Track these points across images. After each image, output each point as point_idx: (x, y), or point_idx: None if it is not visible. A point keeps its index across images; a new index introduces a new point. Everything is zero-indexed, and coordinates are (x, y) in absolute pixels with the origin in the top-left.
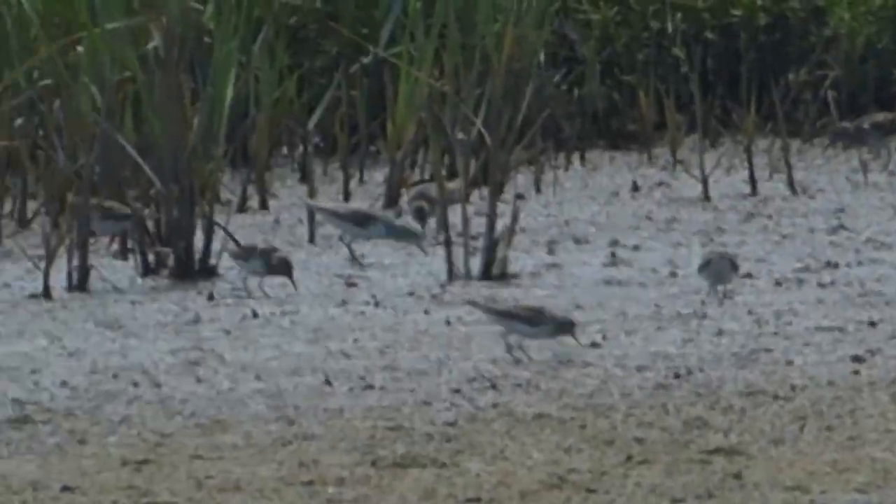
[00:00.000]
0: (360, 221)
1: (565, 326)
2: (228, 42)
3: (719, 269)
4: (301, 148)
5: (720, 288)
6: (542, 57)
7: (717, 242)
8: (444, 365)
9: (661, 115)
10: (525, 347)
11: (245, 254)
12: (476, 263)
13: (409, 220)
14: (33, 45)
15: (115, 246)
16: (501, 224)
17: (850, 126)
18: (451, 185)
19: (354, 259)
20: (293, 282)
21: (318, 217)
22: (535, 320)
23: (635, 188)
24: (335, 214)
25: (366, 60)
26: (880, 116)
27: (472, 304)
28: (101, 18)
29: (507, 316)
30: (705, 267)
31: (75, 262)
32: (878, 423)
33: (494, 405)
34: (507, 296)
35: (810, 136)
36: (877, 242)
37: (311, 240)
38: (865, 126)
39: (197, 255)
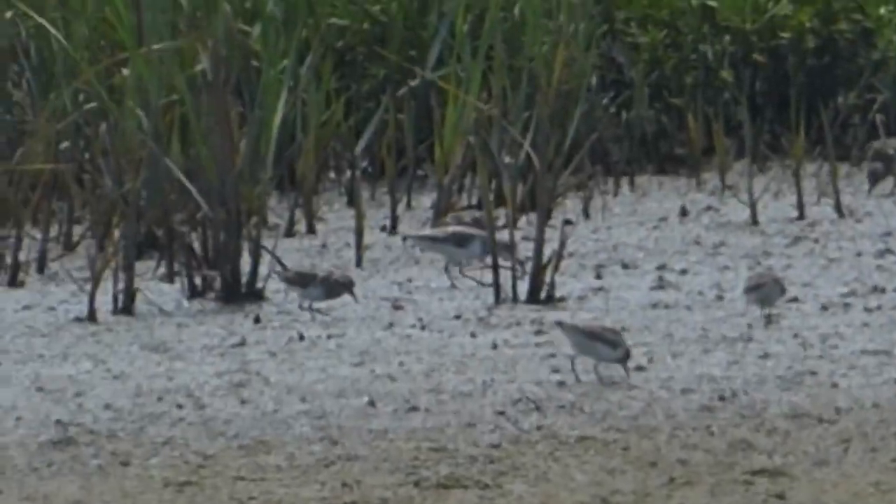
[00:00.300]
0: (460, 242)
1: (627, 353)
2: (276, 65)
3: (766, 291)
4: (348, 172)
5: (766, 311)
6: (591, 80)
7: (764, 266)
8: (489, 387)
9: (710, 139)
10: (570, 370)
11: (303, 281)
12: (523, 287)
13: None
14: (79, 67)
15: (162, 269)
16: (550, 249)
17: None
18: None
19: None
20: (353, 295)
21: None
22: (617, 343)
23: (684, 213)
24: (434, 240)
25: (413, 84)
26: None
27: (560, 325)
28: (148, 40)
29: (592, 337)
30: (752, 290)
31: (121, 286)
32: None
33: (538, 427)
34: (553, 319)
35: (858, 160)
36: None
37: (359, 264)
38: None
39: (243, 279)
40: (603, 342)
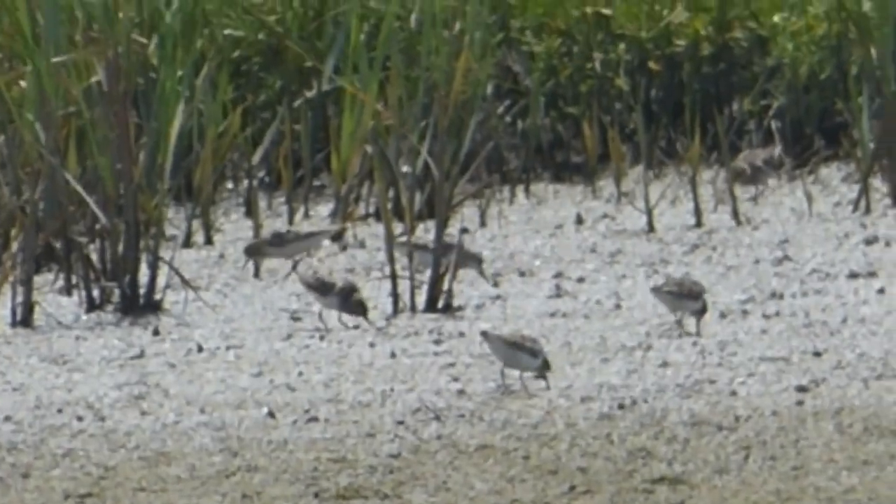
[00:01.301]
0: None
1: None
2: (172, 76)
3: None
4: (246, 182)
5: (678, 315)
6: (486, 88)
7: (662, 274)
8: (389, 397)
9: (606, 146)
10: (469, 378)
11: (323, 289)
12: (422, 297)
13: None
14: None
15: (61, 282)
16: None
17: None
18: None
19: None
20: (367, 320)
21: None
22: (536, 352)
23: (580, 221)
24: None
25: (309, 94)
26: (762, 152)
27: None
28: (45, 52)
29: (515, 347)
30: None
31: (19, 298)
32: (823, 453)
33: (438, 436)
34: (451, 328)
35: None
36: (821, 273)
37: (256, 274)
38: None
39: (142, 290)
40: (525, 352)
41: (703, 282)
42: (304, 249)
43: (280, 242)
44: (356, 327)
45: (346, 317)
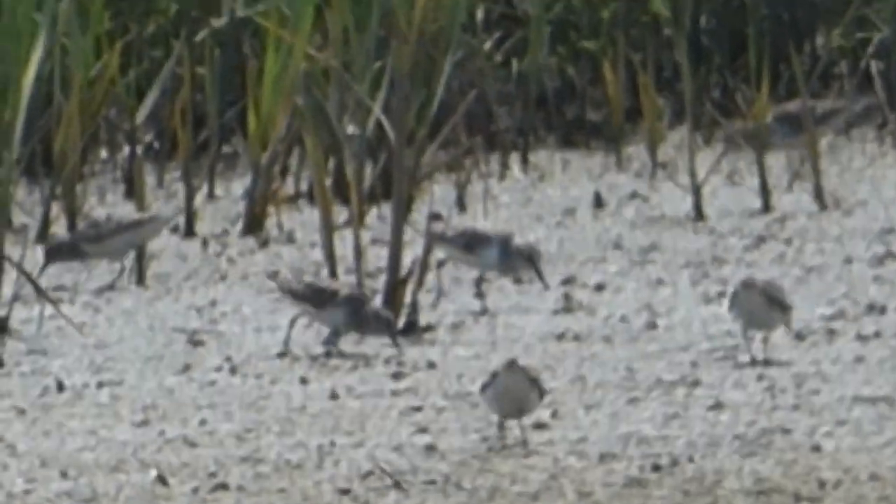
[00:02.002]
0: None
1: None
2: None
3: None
4: (126, 149)
5: (758, 334)
6: (468, 16)
7: (714, 278)
8: (328, 455)
9: (636, 98)
10: (442, 428)
11: (319, 298)
12: None
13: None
14: None
15: None
16: (410, 255)
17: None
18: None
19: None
20: (395, 342)
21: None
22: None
23: (599, 203)
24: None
25: (217, 24)
26: (791, 106)
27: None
28: None
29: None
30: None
31: None
32: None
33: None
34: (416, 356)
35: (847, 126)
36: None
37: (140, 280)
38: (768, 120)
39: None
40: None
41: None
42: (129, 245)
43: (95, 237)
44: (282, 355)
45: (266, 340)
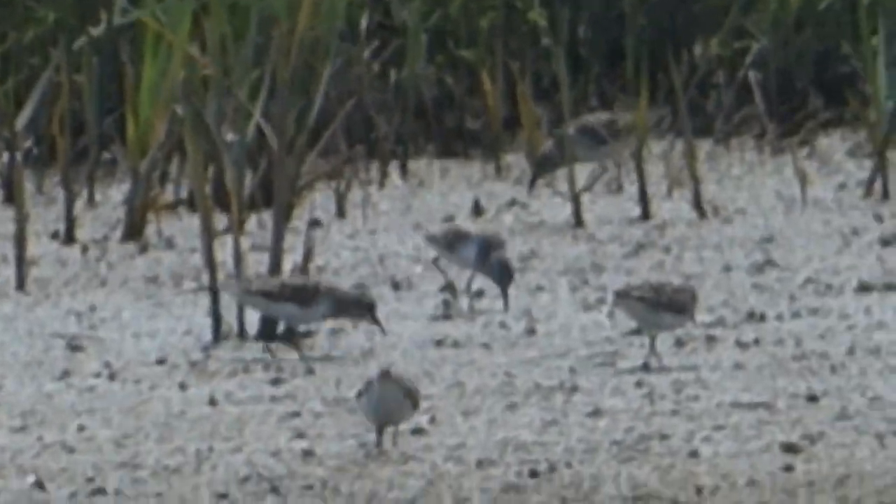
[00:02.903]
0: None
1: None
2: None
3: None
4: (4, 156)
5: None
6: (345, 24)
7: (594, 285)
8: (206, 460)
9: (514, 106)
10: (319, 433)
11: (304, 296)
12: (254, 317)
13: None
14: None
15: None
16: (290, 262)
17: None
18: None
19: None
20: (379, 324)
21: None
22: None
23: (478, 211)
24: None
25: (95, 32)
26: (592, 118)
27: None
28: None
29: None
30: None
31: None
32: None
33: None
34: (295, 362)
35: (725, 135)
36: (819, 285)
37: (20, 286)
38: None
39: None
40: None
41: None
42: None
43: None
44: (161, 362)
45: (145, 346)
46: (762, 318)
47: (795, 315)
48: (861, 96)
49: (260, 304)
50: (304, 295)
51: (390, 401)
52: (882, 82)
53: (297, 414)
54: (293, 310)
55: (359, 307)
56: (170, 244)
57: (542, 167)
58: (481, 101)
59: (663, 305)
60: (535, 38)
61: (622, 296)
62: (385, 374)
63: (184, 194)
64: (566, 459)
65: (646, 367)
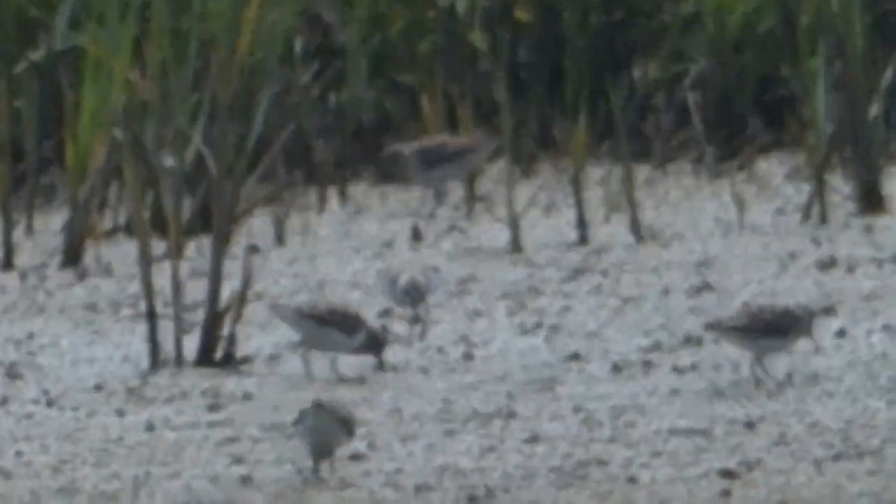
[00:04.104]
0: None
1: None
2: None
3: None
4: None
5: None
6: (284, 48)
7: (531, 309)
8: (143, 485)
9: (455, 130)
10: (257, 459)
11: (349, 324)
12: (192, 343)
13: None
14: None
15: None
16: (229, 288)
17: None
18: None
19: None
20: (383, 364)
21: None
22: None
23: (417, 236)
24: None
25: (35, 56)
26: (428, 141)
27: None
28: None
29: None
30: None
31: None
32: None
33: None
34: (233, 388)
35: (664, 159)
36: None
37: None
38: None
39: None
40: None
41: (589, 322)
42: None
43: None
44: (99, 388)
45: (82, 372)
46: (699, 342)
47: None
48: (800, 120)
49: (307, 329)
50: (349, 323)
51: (324, 431)
52: (821, 105)
53: (235, 439)
54: (337, 337)
55: (377, 343)
56: (108, 271)
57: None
58: (421, 125)
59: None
60: (475, 62)
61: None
62: (318, 405)
63: (122, 220)
64: (504, 485)
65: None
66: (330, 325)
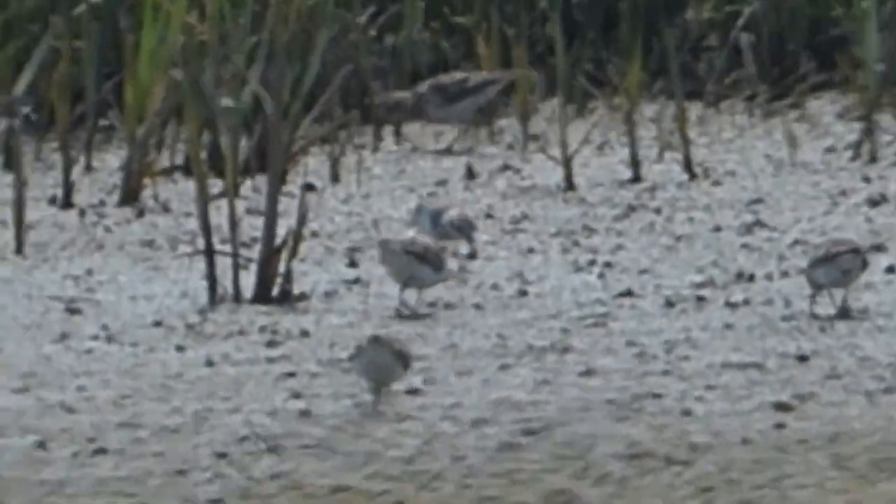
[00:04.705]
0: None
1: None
2: None
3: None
4: (3, 121)
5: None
6: None
7: (584, 247)
8: (205, 420)
9: (509, 69)
10: (315, 394)
11: (439, 260)
12: (249, 280)
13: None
14: None
15: None
16: (285, 226)
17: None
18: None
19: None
20: (472, 244)
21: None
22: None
23: (471, 174)
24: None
25: None
26: (445, 77)
27: None
28: None
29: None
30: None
31: None
32: (813, 498)
33: (274, 475)
34: (290, 324)
35: (716, 98)
36: (807, 246)
37: (19, 250)
38: (423, 90)
39: None
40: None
41: (642, 259)
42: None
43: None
44: (158, 324)
45: (142, 308)
46: (751, 278)
47: (784, 275)
48: (851, 60)
49: (407, 264)
50: (439, 259)
51: (381, 364)
52: (872, 46)
53: (293, 374)
54: (429, 273)
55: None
56: (166, 209)
57: (391, 112)
58: (476, 66)
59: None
60: (530, 4)
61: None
62: (375, 338)
63: (180, 160)
64: (560, 418)
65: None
66: (424, 262)
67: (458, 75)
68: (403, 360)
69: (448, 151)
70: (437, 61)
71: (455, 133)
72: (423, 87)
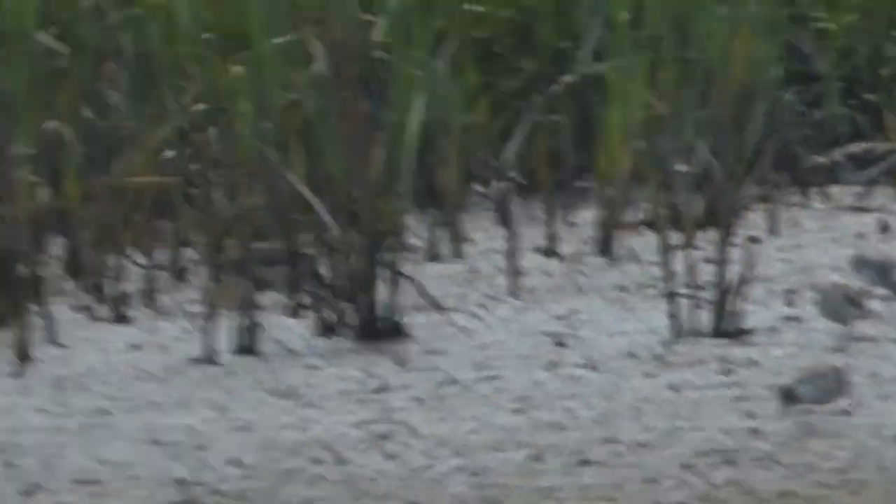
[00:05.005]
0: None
1: None
2: (408, 58)
3: None
4: (496, 184)
5: None
6: (772, 73)
7: None
8: (672, 436)
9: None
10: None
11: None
12: (704, 318)
13: None
14: (184, 64)
15: (287, 300)
16: (733, 272)
17: None
18: None
19: None
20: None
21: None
22: None
23: (884, 229)
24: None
25: (569, 80)
26: (864, 145)
27: None
28: (264, 33)
29: None
30: None
31: (242, 321)
32: None
33: (730, 482)
34: (741, 355)
35: None
36: None
37: (514, 293)
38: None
39: (380, 312)
40: None
41: None
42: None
43: None
44: (631, 355)
45: (617, 342)
46: None
47: None
48: None
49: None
50: (860, 301)
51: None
52: None
53: (744, 398)
54: (851, 312)
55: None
56: (634, 258)
57: (815, 175)
58: (884, 136)
59: None
60: None
61: None
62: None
63: (644, 216)
64: None
65: None
66: (850, 303)
67: (865, 145)
68: (840, 385)
69: (862, 209)
70: (853, 132)
71: (867, 193)
72: (838, 154)
